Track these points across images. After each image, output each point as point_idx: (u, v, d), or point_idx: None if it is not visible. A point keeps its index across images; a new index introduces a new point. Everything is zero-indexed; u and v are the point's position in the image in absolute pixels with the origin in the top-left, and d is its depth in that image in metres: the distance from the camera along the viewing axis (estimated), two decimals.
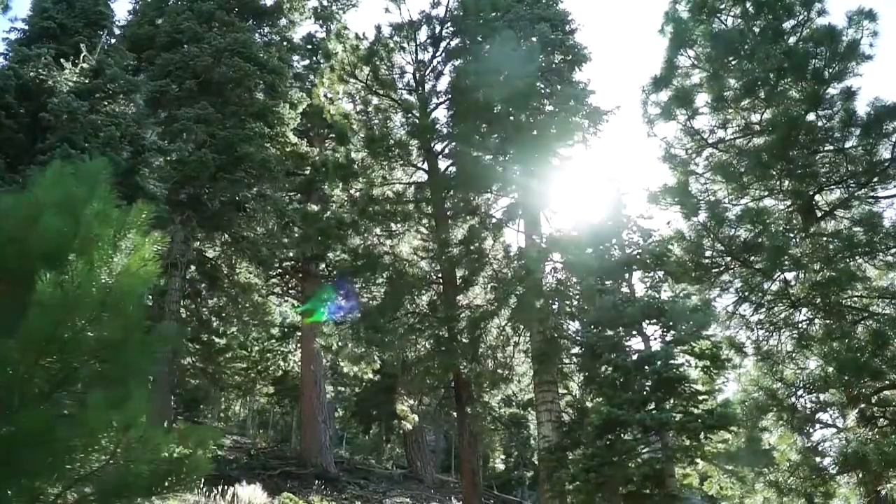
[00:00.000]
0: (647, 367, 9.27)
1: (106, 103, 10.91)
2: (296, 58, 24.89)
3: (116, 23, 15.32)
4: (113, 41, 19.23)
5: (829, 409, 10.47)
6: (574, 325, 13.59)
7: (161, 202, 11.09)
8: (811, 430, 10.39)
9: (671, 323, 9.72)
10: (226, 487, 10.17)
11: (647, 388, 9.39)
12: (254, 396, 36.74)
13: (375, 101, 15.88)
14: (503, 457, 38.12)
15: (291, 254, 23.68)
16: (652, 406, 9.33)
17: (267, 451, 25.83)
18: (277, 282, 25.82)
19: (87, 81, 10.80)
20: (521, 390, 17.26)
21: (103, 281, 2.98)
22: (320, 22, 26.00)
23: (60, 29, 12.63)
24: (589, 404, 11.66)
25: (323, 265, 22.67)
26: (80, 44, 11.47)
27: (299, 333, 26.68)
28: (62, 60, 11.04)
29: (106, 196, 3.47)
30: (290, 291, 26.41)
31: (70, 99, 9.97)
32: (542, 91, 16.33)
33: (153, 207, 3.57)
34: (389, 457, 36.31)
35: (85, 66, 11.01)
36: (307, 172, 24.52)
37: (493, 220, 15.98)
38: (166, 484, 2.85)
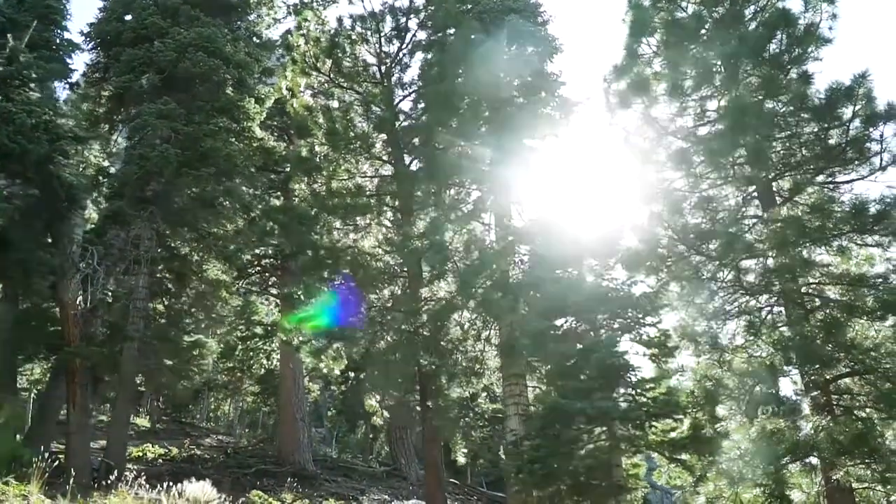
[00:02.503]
0: (592, 356, 9.12)
1: (20, 91, 10.73)
2: (275, 55, 24.68)
3: (69, 17, 15.12)
4: (83, 37, 19.09)
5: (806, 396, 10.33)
6: None
7: (80, 190, 10.95)
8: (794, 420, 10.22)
9: (618, 311, 9.58)
10: (170, 484, 10.02)
11: (592, 378, 9.23)
12: (241, 396, 36.58)
13: (338, 93, 15.72)
14: (496, 454, 37.78)
15: (270, 251, 23.50)
16: (598, 396, 9.18)
17: (247, 449, 25.72)
18: (256, 279, 25.64)
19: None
20: (499, 384, 17.10)
21: None
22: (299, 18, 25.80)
23: (10, 24, 12.52)
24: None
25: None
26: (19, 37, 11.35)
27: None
28: None
29: None
30: (270, 289, 26.24)
31: None
32: (512, 83, 16.17)
33: None
34: (378, 454, 36.14)
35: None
36: (287, 169, 24.34)
37: (461, 213, 15.82)
38: None
